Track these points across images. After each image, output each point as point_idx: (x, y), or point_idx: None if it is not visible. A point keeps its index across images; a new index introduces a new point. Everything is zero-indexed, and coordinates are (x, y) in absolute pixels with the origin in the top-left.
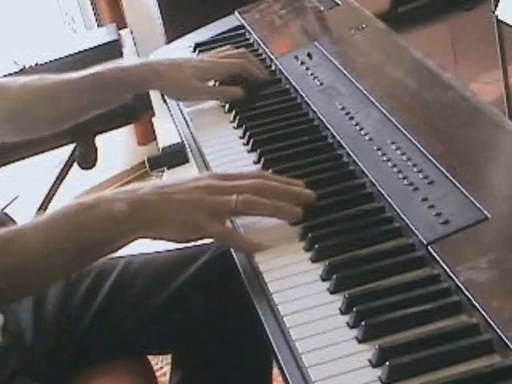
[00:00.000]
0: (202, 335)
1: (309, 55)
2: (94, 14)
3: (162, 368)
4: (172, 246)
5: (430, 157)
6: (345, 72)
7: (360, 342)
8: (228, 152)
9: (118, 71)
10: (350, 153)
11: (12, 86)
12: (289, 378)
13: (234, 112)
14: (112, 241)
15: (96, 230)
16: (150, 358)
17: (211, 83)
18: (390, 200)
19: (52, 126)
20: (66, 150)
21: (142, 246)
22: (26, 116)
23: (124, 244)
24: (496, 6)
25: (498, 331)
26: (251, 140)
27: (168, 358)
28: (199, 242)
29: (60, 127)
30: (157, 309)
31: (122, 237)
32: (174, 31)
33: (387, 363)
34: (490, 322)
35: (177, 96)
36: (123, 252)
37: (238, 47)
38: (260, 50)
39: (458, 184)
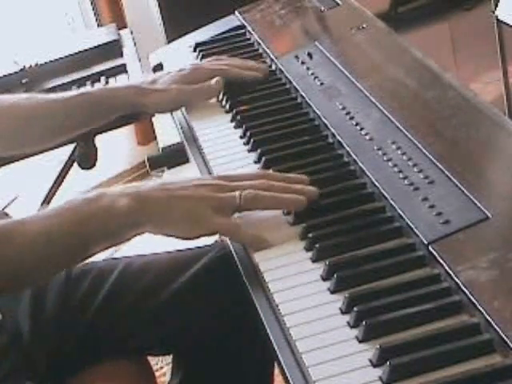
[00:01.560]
0: (203, 336)
1: (309, 55)
2: (94, 14)
3: (161, 368)
4: (174, 246)
5: (431, 157)
6: (345, 72)
7: (360, 341)
8: (228, 152)
9: (106, 91)
10: (351, 152)
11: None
12: (289, 378)
13: (234, 112)
14: (114, 235)
15: (98, 224)
16: (149, 358)
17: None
18: (390, 200)
19: (39, 145)
20: (66, 150)
21: (142, 247)
22: (14, 136)
23: (126, 238)
24: (496, 5)
25: (499, 331)
26: (251, 140)
27: (168, 358)
28: (200, 244)
29: (47, 146)
30: (157, 310)
31: (124, 231)
32: (173, 31)
33: (388, 363)
34: (491, 321)
35: (162, 110)
36: (124, 252)
37: (238, 47)
38: (260, 50)
39: (458, 184)
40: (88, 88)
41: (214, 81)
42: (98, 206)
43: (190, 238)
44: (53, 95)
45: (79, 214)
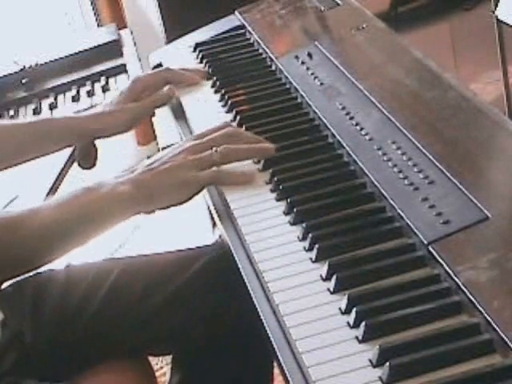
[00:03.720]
0: (202, 336)
1: (309, 55)
2: (94, 13)
3: (161, 368)
4: (174, 246)
5: (431, 157)
6: (345, 72)
7: (360, 341)
8: None
9: (66, 119)
10: (351, 152)
11: None
12: (289, 378)
13: (234, 112)
14: (118, 216)
15: (103, 207)
16: (150, 358)
17: None
18: (390, 200)
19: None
20: (66, 150)
21: (142, 247)
22: None
23: (127, 217)
24: (496, 5)
25: (499, 331)
26: None
27: (168, 358)
28: (199, 243)
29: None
30: (157, 310)
31: (125, 212)
32: (174, 31)
33: (388, 363)
34: (491, 321)
35: (117, 132)
36: (124, 252)
37: (238, 47)
38: (260, 50)
39: (458, 184)
40: (55, 114)
41: (165, 88)
42: (102, 192)
43: (185, 201)
44: (13, 120)
45: (86, 200)
